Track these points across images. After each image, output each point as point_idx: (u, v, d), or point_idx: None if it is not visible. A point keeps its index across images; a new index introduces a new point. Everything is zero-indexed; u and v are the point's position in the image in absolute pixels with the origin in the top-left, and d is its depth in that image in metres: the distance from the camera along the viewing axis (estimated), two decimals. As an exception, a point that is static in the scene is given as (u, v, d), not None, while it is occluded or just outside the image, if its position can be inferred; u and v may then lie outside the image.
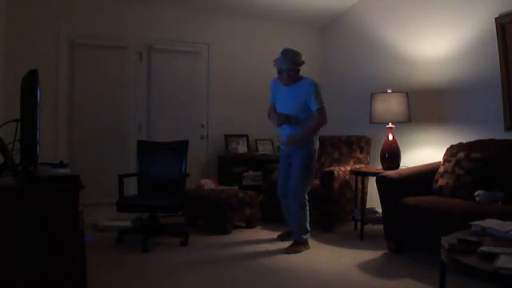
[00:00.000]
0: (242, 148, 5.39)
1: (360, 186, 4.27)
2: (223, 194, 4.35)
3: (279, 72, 3.66)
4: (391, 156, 4.09)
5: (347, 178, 4.47)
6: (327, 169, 4.45)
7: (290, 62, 3.57)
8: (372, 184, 4.03)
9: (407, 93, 4.19)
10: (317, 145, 3.77)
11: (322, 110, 3.61)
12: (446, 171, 3.46)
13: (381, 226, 3.69)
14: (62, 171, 2.26)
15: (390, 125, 4.15)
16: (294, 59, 3.59)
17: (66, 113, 4.68)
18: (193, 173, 4.48)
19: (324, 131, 5.15)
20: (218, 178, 5.20)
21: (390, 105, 4.12)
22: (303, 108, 3.63)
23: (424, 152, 4.32)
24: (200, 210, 4.54)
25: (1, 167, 2.04)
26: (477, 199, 3.05)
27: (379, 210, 3.86)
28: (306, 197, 3.72)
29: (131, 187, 4.46)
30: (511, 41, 3.55)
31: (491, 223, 2.29)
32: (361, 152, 4.81)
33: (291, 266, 3.25)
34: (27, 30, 4.44)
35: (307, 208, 3.73)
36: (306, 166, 3.67)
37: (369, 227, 4.19)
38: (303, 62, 3.68)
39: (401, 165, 4.10)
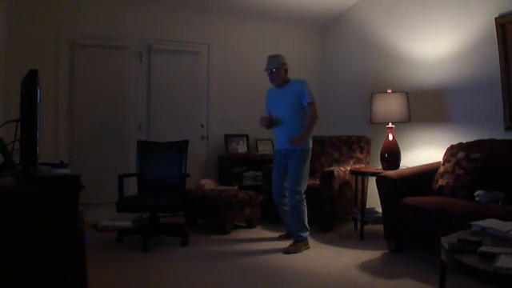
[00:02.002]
0: (242, 148, 5.39)
1: (360, 186, 4.27)
2: (223, 194, 4.35)
3: (270, 73, 3.89)
4: (391, 156, 4.09)
5: (347, 177, 4.47)
6: (327, 169, 4.45)
7: (277, 62, 3.85)
8: (372, 184, 4.02)
9: (407, 93, 4.19)
10: (311, 144, 3.86)
11: (313, 104, 3.78)
12: (445, 171, 3.46)
13: (381, 226, 3.69)
14: (61, 171, 2.26)
15: (390, 125, 4.15)
16: (280, 60, 3.88)
17: (65, 113, 4.68)
18: (193, 173, 4.48)
19: (324, 131, 5.19)
20: (218, 177, 5.20)
21: (389, 105, 4.12)
22: (297, 106, 3.79)
23: (424, 152, 4.32)
24: (200, 210, 4.54)
25: (1, 167, 2.05)
26: (477, 199, 3.05)
27: (379, 210, 3.86)
28: (304, 194, 3.78)
29: (131, 187, 4.46)
30: (511, 41, 3.55)
31: (491, 223, 2.29)
32: (361, 152, 4.81)
33: (291, 266, 3.25)
34: (27, 30, 4.44)
35: (305, 204, 3.79)
36: (303, 164, 3.76)
37: (369, 227, 4.19)
38: (287, 63, 3.91)
39: (401, 165, 4.10)
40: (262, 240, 4.02)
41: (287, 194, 3.82)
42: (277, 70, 3.83)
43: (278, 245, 3.81)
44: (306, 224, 3.78)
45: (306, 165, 3.79)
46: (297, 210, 3.74)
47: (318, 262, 3.35)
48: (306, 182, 3.82)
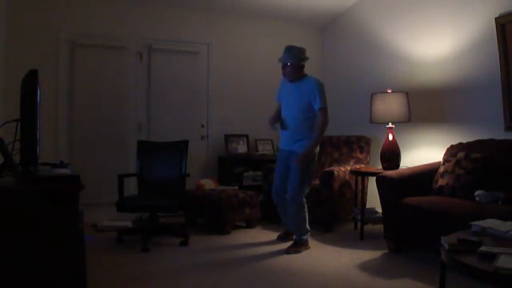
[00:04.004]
0: (241, 148, 5.39)
1: (360, 186, 4.27)
2: (223, 194, 4.35)
3: (283, 67, 3.67)
4: (391, 156, 4.09)
5: (347, 178, 4.47)
6: (327, 169, 4.45)
7: (293, 57, 3.61)
8: (372, 184, 4.03)
9: (407, 93, 4.19)
10: (317, 148, 3.75)
11: (324, 109, 3.59)
12: (445, 171, 3.46)
13: (381, 226, 3.69)
14: (61, 171, 2.26)
15: (390, 125, 4.15)
16: (298, 54, 3.63)
17: (66, 113, 4.68)
18: (193, 173, 4.48)
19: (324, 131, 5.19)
20: (218, 177, 5.20)
21: (390, 105, 4.12)
22: (306, 107, 3.62)
23: (424, 152, 4.32)
24: (200, 210, 4.54)
25: (1, 167, 2.05)
26: (477, 199, 3.05)
27: (379, 210, 3.85)
28: (304, 199, 3.71)
29: (131, 187, 4.46)
30: (511, 41, 3.55)
31: (491, 223, 2.29)
32: (361, 152, 4.81)
33: (291, 266, 3.25)
34: (27, 29, 4.44)
35: (306, 209, 3.72)
36: (305, 168, 3.63)
37: (369, 227, 4.19)
38: (307, 58, 3.70)
39: (401, 165, 4.10)
40: (262, 240, 4.02)
41: (289, 198, 3.72)
42: (292, 65, 3.61)
43: (278, 245, 3.82)
44: (307, 227, 3.74)
45: (308, 169, 3.66)
46: (297, 217, 3.68)
47: (318, 262, 3.35)
48: (308, 187, 3.72)
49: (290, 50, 3.63)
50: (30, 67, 2.12)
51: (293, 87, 3.70)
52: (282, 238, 3.96)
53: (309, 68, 3.87)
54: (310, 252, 3.64)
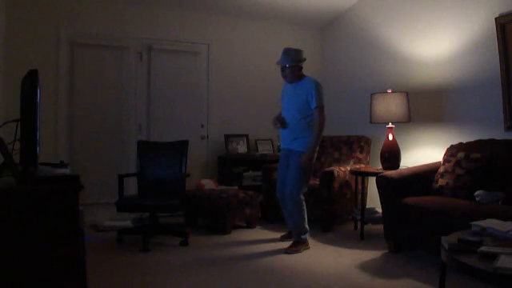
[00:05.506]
0: (241, 148, 5.39)
1: (360, 186, 4.27)
2: (223, 194, 4.35)
3: (282, 70, 3.74)
4: (391, 156, 4.09)
5: (347, 178, 4.47)
6: (327, 169, 4.45)
7: (291, 59, 3.67)
8: (372, 184, 4.03)
9: (407, 93, 4.19)
10: (316, 148, 3.76)
11: (321, 108, 3.64)
12: (445, 171, 3.46)
13: (381, 226, 3.69)
14: (61, 171, 2.26)
15: (390, 125, 4.16)
16: (296, 56, 3.69)
17: (65, 113, 4.68)
18: (193, 173, 4.48)
19: (324, 131, 5.18)
20: (218, 178, 5.20)
21: (390, 105, 4.12)
22: (304, 107, 3.67)
23: (424, 152, 4.32)
24: (200, 210, 4.54)
25: (1, 167, 2.05)
26: (477, 199, 3.05)
27: (379, 210, 3.86)
28: (302, 197, 3.72)
29: (131, 187, 4.46)
30: (511, 41, 3.55)
31: (491, 223, 2.29)
32: (361, 152, 4.81)
33: (291, 266, 3.25)
34: (27, 29, 4.44)
35: (304, 208, 3.73)
36: (303, 168, 3.65)
37: (369, 227, 4.19)
38: (305, 59, 3.76)
39: (401, 165, 4.10)
40: (262, 240, 4.02)
41: (286, 197, 3.73)
42: (290, 67, 3.67)
43: (278, 245, 3.82)
44: (306, 226, 3.75)
45: (307, 168, 3.67)
46: (294, 215, 3.70)
47: (318, 262, 3.35)
48: (305, 186, 3.74)
49: (288, 53, 3.69)
50: (29, 67, 2.12)
51: (291, 88, 3.78)
52: (285, 238, 3.95)
53: (309, 68, 3.87)
54: (310, 252, 3.65)
